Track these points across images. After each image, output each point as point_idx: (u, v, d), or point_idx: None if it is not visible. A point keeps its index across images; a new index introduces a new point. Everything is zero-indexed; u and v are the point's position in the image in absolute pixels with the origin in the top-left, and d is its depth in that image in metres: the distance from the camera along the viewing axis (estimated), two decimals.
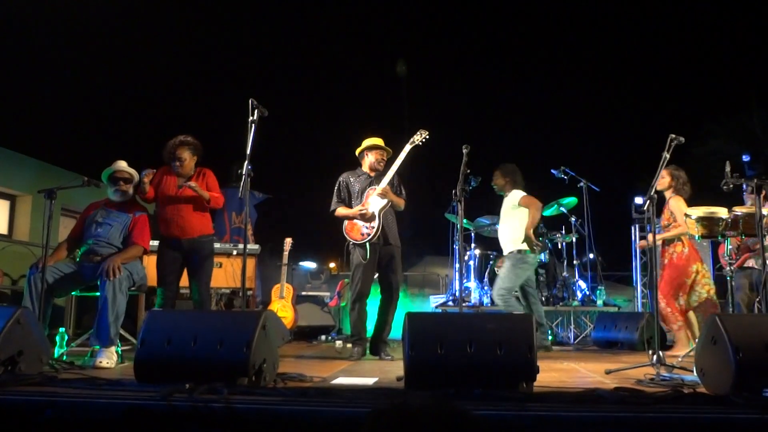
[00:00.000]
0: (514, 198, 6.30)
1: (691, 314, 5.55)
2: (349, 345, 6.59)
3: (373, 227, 5.26)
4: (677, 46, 13.00)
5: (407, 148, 5.41)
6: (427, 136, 5.46)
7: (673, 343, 5.67)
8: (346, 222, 5.42)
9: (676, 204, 5.54)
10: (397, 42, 13.52)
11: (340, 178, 5.56)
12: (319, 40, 12.72)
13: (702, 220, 4.64)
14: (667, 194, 5.64)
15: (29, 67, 9.03)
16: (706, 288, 5.50)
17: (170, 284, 5.05)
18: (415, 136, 5.46)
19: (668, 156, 4.19)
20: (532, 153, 12.23)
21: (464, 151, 4.79)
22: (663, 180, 5.60)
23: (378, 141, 5.55)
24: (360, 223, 5.32)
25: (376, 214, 5.27)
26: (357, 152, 5.60)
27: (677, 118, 12.46)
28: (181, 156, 5.08)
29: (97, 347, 4.38)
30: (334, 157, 6.29)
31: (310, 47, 12.59)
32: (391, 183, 5.34)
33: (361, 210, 5.28)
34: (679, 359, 4.68)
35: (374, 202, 5.29)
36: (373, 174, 5.47)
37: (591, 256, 8.42)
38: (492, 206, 8.52)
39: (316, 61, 12.91)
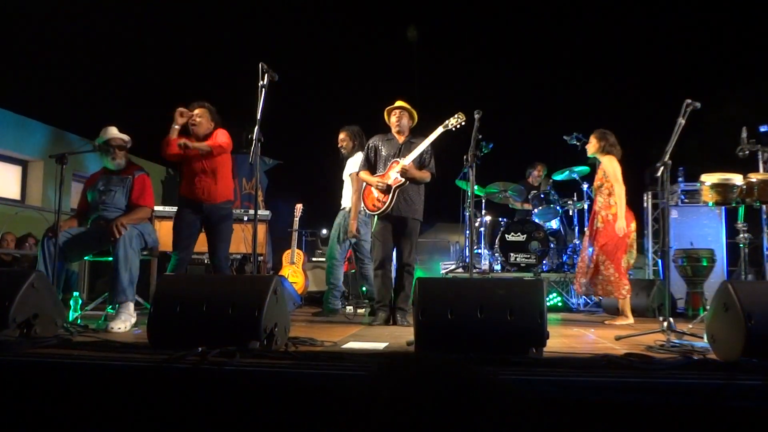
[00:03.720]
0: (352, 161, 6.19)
1: None
2: (360, 310, 6.70)
3: (384, 202, 5.24)
4: (693, 8, 12.71)
5: (439, 130, 5.21)
6: (463, 122, 5.17)
7: (622, 311, 5.59)
8: (365, 185, 5.44)
9: (609, 162, 5.52)
10: (407, 6, 13.30)
11: (370, 142, 5.51)
12: (330, 4, 12.54)
13: (716, 187, 4.59)
14: (599, 156, 5.67)
15: (39, 31, 8.98)
16: (634, 249, 5.53)
17: (185, 249, 5.05)
18: (450, 120, 5.20)
19: (683, 122, 4.12)
20: (545, 118, 12.08)
21: (476, 116, 4.73)
22: (591, 146, 5.68)
23: (397, 103, 5.43)
24: (375, 193, 5.32)
25: (392, 188, 5.22)
26: (385, 114, 5.54)
27: (692, 84, 12.23)
28: (200, 114, 5.03)
29: (111, 311, 4.44)
30: (345, 122, 6.24)
31: (320, 11, 12.41)
32: (419, 158, 5.27)
33: (379, 182, 5.27)
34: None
35: (394, 175, 5.25)
36: (401, 140, 5.37)
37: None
38: (504, 172, 8.49)
39: (326, 26, 12.74)
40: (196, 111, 5.04)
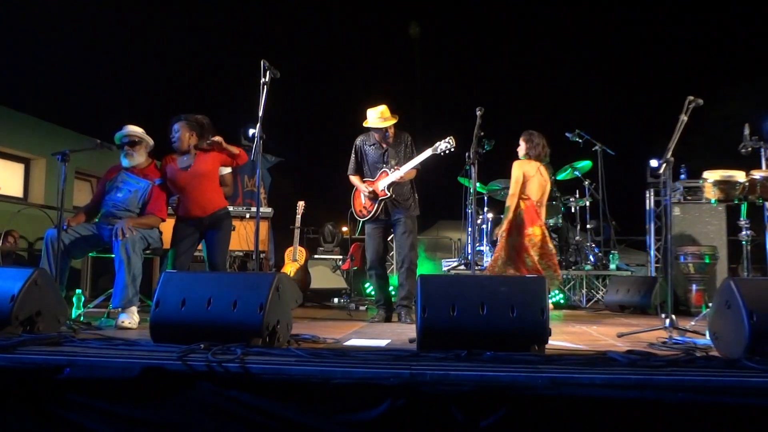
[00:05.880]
0: None
1: None
2: (362, 308, 6.75)
3: (370, 211, 5.35)
4: (695, 5, 12.67)
5: (428, 152, 5.13)
6: (453, 148, 5.07)
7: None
8: (355, 189, 5.53)
9: (513, 169, 5.49)
10: (410, 3, 13.28)
11: (357, 142, 5.54)
12: (332, 0, 12.52)
13: (718, 184, 4.59)
14: (525, 159, 5.64)
15: (41, 29, 8.97)
16: (535, 252, 5.39)
17: (183, 265, 5.02)
18: (440, 144, 5.08)
19: (686, 118, 4.11)
20: (547, 115, 12.06)
21: (478, 113, 4.72)
22: (519, 148, 5.63)
23: (378, 116, 5.30)
24: (363, 199, 5.42)
25: (379, 198, 5.29)
26: (364, 124, 5.46)
27: (695, 80, 12.20)
28: (177, 129, 4.97)
29: (112, 308, 4.45)
30: (347, 120, 6.23)
31: (322, 7, 12.39)
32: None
33: (368, 189, 5.34)
34: None
35: (382, 186, 5.30)
36: (385, 146, 5.40)
37: (589, 226, 8.42)
38: (506, 170, 8.49)
39: (328, 22, 12.72)
40: (175, 126, 4.99)
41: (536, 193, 5.47)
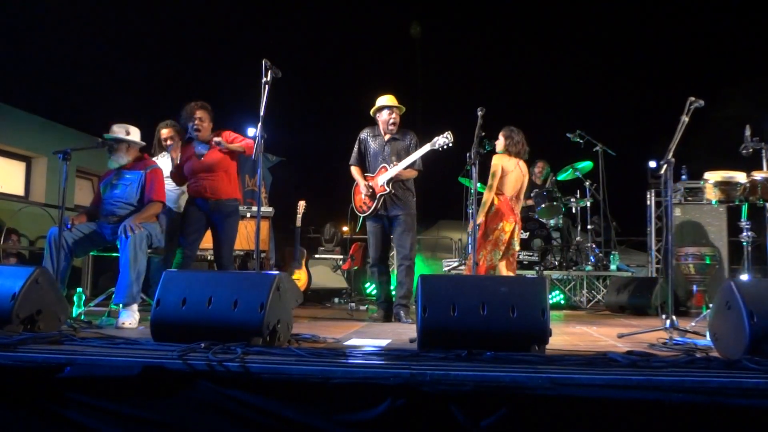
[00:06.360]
0: None
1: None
2: (362, 307, 6.75)
3: (369, 207, 5.37)
4: (697, 5, 12.66)
5: (427, 147, 5.21)
6: (451, 143, 5.16)
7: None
8: (355, 183, 5.54)
9: (493, 162, 5.49)
10: (411, 2, 13.27)
11: (361, 135, 5.59)
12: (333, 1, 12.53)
13: (719, 185, 4.58)
14: (502, 154, 5.64)
15: (43, 27, 8.98)
16: (496, 248, 5.39)
17: (191, 245, 5.06)
18: (438, 139, 5.17)
19: (687, 119, 4.11)
20: (548, 115, 12.06)
21: (479, 113, 4.72)
22: (498, 142, 5.63)
23: (387, 101, 5.45)
24: (363, 193, 5.41)
25: (377, 195, 5.31)
26: (371, 113, 5.56)
27: (696, 81, 12.19)
28: (201, 117, 5.07)
29: (114, 306, 4.46)
30: (348, 119, 6.24)
31: (324, 6, 12.40)
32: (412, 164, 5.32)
33: (367, 185, 5.35)
34: None
35: (381, 181, 5.32)
36: (387, 137, 5.43)
37: (590, 226, 8.43)
38: None
39: (330, 22, 12.73)
40: (198, 114, 5.05)
41: (511, 189, 5.49)
